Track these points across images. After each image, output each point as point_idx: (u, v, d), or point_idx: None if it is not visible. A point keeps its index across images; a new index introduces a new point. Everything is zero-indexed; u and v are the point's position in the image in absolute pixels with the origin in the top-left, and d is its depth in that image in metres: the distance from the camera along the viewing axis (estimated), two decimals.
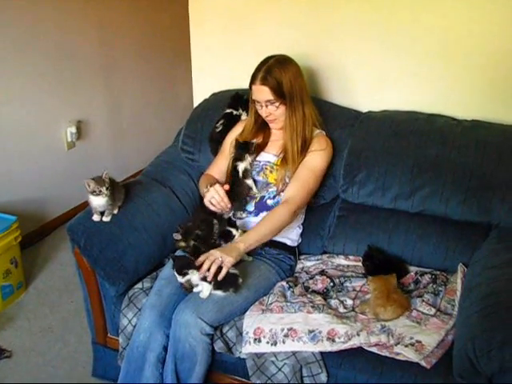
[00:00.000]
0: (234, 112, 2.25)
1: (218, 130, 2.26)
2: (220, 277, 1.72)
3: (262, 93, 1.94)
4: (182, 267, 1.76)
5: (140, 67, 3.84)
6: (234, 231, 1.91)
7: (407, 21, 2.17)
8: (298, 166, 2.00)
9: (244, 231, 1.92)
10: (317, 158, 2.03)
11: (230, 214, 2.04)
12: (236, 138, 2.06)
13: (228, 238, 1.90)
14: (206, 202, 1.94)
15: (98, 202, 1.92)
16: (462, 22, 2.09)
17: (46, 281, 2.87)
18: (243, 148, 2.04)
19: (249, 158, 2.04)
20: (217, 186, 1.93)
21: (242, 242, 1.83)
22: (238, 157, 2.05)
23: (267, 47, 2.12)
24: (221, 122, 2.26)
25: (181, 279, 1.77)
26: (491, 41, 2.07)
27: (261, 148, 2.09)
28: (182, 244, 1.92)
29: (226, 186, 1.96)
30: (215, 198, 1.92)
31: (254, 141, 2.07)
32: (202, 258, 1.76)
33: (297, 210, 1.96)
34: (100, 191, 1.90)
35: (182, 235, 1.92)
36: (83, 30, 3.28)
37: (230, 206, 1.93)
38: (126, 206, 2.04)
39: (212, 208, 1.93)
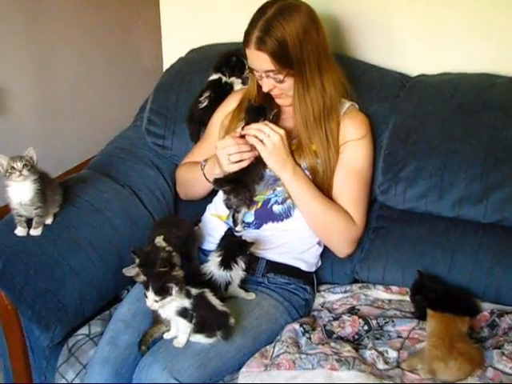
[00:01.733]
0: (224, 79, 2.28)
1: (201, 105, 2.30)
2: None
3: (259, 60, 1.96)
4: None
5: (81, 10, 3.85)
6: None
7: None
8: (334, 170, 2.05)
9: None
10: (359, 154, 2.08)
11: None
12: (248, 99, 2.09)
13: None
14: (226, 165, 1.97)
15: (21, 192, 1.92)
16: None
17: None
18: (258, 113, 2.04)
19: None
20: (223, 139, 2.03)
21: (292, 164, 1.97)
22: None
23: None
24: (206, 94, 2.30)
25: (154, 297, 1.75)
26: None
27: None
28: (142, 278, 1.94)
29: (237, 133, 2.00)
30: (230, 148, 1.96)
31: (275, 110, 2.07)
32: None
33: (357, 239, 2.10)
34: (18, 171, 1.88)
35: (139, 265, 1.92)
36: None
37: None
38: (64, 214, 2.06)
39: (238, 167, 1.98)
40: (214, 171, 2.07)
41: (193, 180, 2.22)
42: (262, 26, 1.92)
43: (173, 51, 2.66)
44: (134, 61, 4.09)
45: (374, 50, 2.40)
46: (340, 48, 2.36)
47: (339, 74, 2.08)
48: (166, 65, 2.67)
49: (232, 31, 2.32)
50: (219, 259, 1.94)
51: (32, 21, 3.49)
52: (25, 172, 1.90)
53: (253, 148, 1.97)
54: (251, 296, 2.00)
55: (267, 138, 1.94)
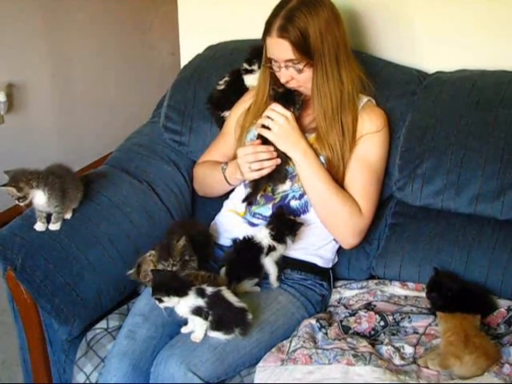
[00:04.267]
0: (245, 65, 2.28)
1: (219, 87, 2.32)
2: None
3: (279, 49, 1.98)
4: (161, 290, 1.78)
5: (98, 5, 3.86)
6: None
7: None
8: (348, 161, 2.06)
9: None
10: (373, 147, 2.09)
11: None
12: (272, 88, 2.10)
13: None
14: (247, 173, 2.01)
15: (34, 201, 1.96)
16: None
17: None
18: (285, 99, 2.05)
19: (296, 113, 2.05)
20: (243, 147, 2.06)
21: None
22: None
23: None
24: (225, 78, 2.32)
25: (158, 304, 1.79)
26: None
27: None
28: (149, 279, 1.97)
29: (257, 141, 2.04)
30: (249, 156, 2.00)
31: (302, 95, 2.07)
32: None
33: (363, 231, 2.09)
34: (19, 196, 1.91)
35: (160, 258, 1.95)
36: None
37: (276, 155, 2.02)
38: (83, 209, 2.08)
39: (258, 175, 2.01)
40: (236, 176, 2.11)
41: (213, 181, 2.25)
42: (285, 14, 1.94)
43: (190, 48, 2.67)
44: (152, 57, 4.13)
45: (392, 46, 2.40)
46: (358, 45, 2.37)
47: (357, 69, 2.09)
48: (184, 61, 2.68)
49: (250, 28, 2.33)
50: (271, 230, 1.98)
51: (51, 18, 3.51)
52: (22, 203, 1.94)
53: (273, 155, 2.00)
54: (276, 284, 2.03)
55: (272, 123, 1.98)
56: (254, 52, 2.24)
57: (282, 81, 2.04)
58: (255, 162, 2.00)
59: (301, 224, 2.02)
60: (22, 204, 1.93)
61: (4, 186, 1.91)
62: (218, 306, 1.78)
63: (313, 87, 2.02)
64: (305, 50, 1.95)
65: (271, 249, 1.98)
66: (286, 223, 2.01)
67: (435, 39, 2.37)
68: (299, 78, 2.02)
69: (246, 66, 2.28)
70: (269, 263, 1.99)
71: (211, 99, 2.36)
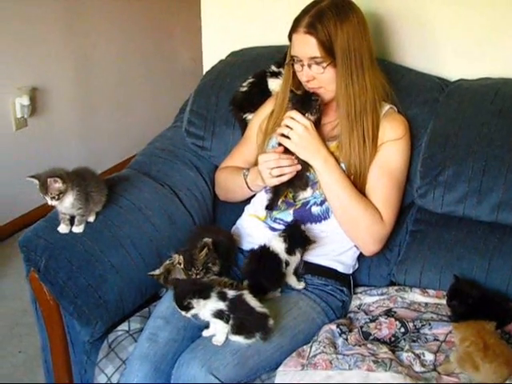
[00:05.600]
0: (273, 67, 2.30)
1: (243, 89, 2.34)
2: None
3: (305, 45, 1.99)
4: (186, 295, 1.80)
5: (121, 11, 3.89)
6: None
7: None
8: (369, 168, 2.07)
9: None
10: (394, 154, 2.09)
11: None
12: (291, 90, 2.11)
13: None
14: (267, 179, 2.03)
15: (58, 205, 1.98)
16: None
17: None
18: (302, 103, 2.05)
19: (310, 117, 2.05)
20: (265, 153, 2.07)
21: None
22: None
23: None
24: (249, 80, 2.34)
25: (185, 314, 1.82)
26: None
27: None
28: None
29: (280, 148, 2.05)
30: (270, 162, 2.01)
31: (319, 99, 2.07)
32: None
33: (384, 238, 2.10)
34: (59, 191, 1.94)
35: (184, 268, 1.97)
36: None
37: (297, 162, 2.03)
38: (106, 212, 2.10)
39: (278, 182, 2.03)
40: (257, 182, 2.12)
41: (234, 186, 2.27)
42: (315, 13, 1.97)
43: (213, 53, 2.69)
44: (173, 62, 4.16)
45: (414, 54, 2.41)
46: (380, 52, 2.37)
47: (380, 76, 2.11)
48: (206, 67, 2.69)
49: (273, 34, 2.37)
50: (283, 243, 1.99)
51: (73, 22, 3.55)
52: (54, 202, 1.96)
53: (293, 162, 2.01)
54: (301, 285, 2.05)
55: (291, 132, 1.99)
56: (286, 56, 2.24)
57: (304, 80, 2.05)
58: (276, 168, 2.01)
59: (313, 242, 2.03)
60: (53, 203, 1.94)
61: (50, 176, 1.92)
62: (240, 310, 1.79)
63: (337, 88, 2.03)
64: (330, 50, 1.97)
65: (287, 263, 2.00)
66: (299, 237, 2.02)
67: (458, 47, 2.37)
68: (321, 78, 2.03)
69: (274, 67, 2.30)
70: (289, 276, 2.03)
71: (234, 101, 2.38)
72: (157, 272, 1.97)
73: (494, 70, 2.31)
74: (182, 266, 1.96)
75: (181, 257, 1.96)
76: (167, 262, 1.96)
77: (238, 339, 1.81)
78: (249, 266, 2.03)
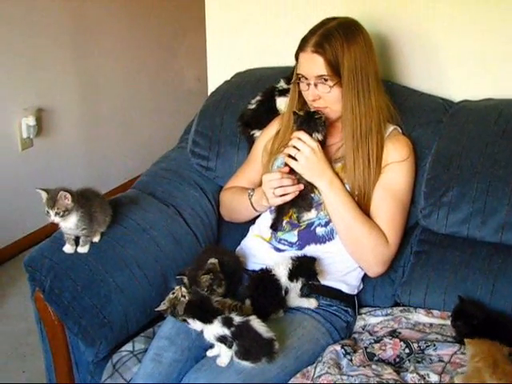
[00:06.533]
0: (282, 83, 2.31)
1: (251, 107, 2.35)
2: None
3: (312, 64, 2.01)
4: (185, 312, 1.81)
5: (126, 32, 3.91)
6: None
7: None
8: (373, 189, 2.08)
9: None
10: (399, 176, 2.10)
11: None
12: (294, 112, 2.11)
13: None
14: (271, 198, 2.04)
15: (62, 224, 1.99)
16: None
17: None
18: (308, 122, 2.05)
19: (317, 136, 2.05)
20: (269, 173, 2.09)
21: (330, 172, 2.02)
22: None
23: (319, 6, 2.19)
24: (258, 97, 2.36)
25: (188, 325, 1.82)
26: None
27: None
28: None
29: (285, 169, 2.06)
30: (273, 182, 2.02)
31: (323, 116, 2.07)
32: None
33: (389, 260, 2.11)
34: (51, 218, 1.94)
35: (187, 289, 1.96)
36: None
37: (297, 182, 2.04)
38: (111, 232, 2.11)
39: (282, 201, 2.04)
40: (261, 202, 2.13)
41: (240, 207, 2.28)
42: (323, 33, 2.00)
43: (218, 74, 2.70)
44: (178, 83, 4.19)
45: (418, 75, 2.43)
46: (384, 73, 2.38)
47: (386, 98, 2.12)
48: (211, 87, 2.71)
49: (278, 55, 2.38)
50: (289, 270, 1.98)
51: (79, 43, 3.58)
52: (57, 219, 1.96)
53: (296, 182, 2.03)
54: (314, 303, 2.05)
55: (298, 154, 2.00)
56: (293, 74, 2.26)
57: (309, 99, 2.07)
58: (278, 188, 2.02)
59: (317, 280, 2.03)
60: (56, 219, 1.94)
61: (64, 190, 1.94)
62: (245, 336, 1.78)
63: (343, 108, 2.04)
64: (337, 69, 1.99)
65: (287, 291, 2.00)
66: (306, 270, 2.01)
67: (461, 68, 2.38)
68: (327, 98, 2.04)
69: (283, 83, 2.31)
70: (297, 300, 2.04)
71: (242, 118, 2.39)
72: (163, 307, 1.96)
73: (497, 90, 2.32)
74: (186, 292, 1.95)
75: (183, 289, 1.94)
76: (170, 295, 1.94)
77: (244, 363, 1.80)
78: (249, 289, 2.03)
